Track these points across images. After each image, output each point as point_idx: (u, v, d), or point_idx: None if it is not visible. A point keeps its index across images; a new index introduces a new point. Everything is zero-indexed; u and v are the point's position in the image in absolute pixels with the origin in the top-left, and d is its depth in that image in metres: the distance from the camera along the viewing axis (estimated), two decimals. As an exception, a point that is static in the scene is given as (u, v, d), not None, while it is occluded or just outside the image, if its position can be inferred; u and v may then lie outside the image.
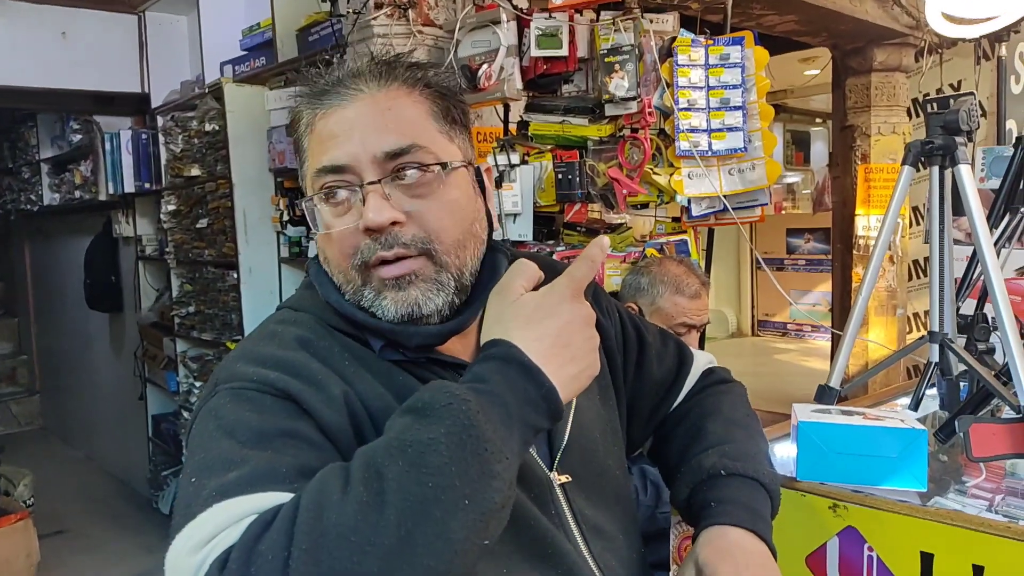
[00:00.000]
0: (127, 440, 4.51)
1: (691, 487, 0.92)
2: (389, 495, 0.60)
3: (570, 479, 0.86)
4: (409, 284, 0.80)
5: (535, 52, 2.17)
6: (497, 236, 0.93)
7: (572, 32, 2.18)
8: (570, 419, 0.89)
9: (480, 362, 0.71)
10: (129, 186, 3.86)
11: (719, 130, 2.15)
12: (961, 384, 1.46)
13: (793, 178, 8.41)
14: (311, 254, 2.82)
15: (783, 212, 8.19)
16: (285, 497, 0.63)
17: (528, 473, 0.82)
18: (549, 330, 0.72)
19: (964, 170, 1.25)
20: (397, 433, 0.65)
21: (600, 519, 0.88)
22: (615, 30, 2.16)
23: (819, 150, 8.64)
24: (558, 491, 0.85)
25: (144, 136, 3.80)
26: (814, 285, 7.55)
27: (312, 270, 0.89)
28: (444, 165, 0.81)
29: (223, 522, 0.62)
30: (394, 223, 0.78)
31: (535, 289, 0.78)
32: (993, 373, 1.26)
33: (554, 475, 0.86)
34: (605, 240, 0.80)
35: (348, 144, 0.80)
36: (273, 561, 0.58)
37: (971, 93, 1.31)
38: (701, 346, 2.07)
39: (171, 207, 3.56)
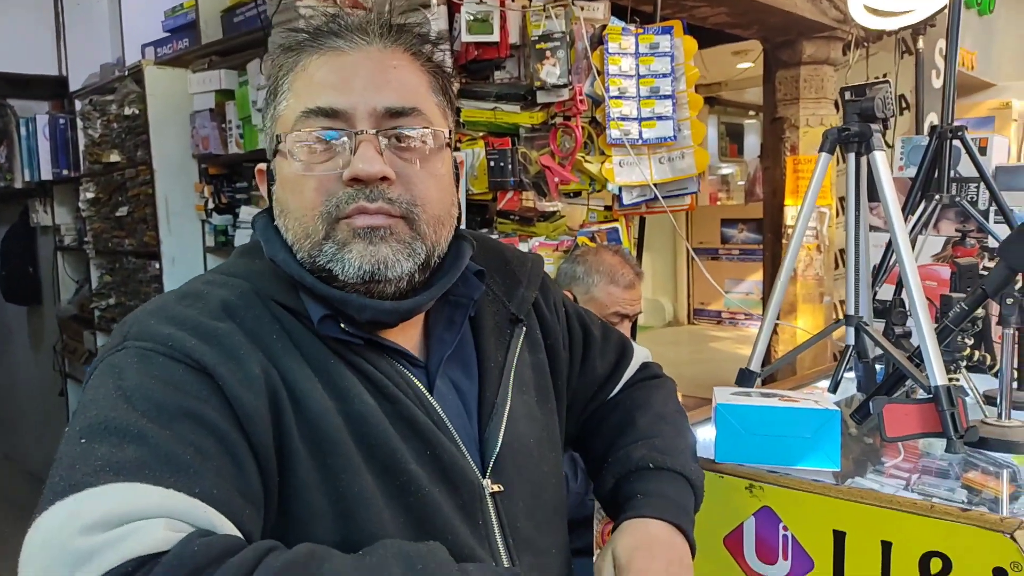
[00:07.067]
0: (48, 438, 4.32)
1: (617, 478, 0.91)
2: None
3: (502, 489, 0.81)
4: (382, 239, 0.75)
5: (466, 37, 2.15)
6: None
7: (504, 18, 2.17)
8: (503, 424, 0.83)
9: None
10: (46, 173, 3.70)
11: (649, 119, 2.16)
12: (878, 367, 1.50)
13: (727, 170, 8.58)
14: (238, 243, 2.74)
15: (718, 203, 8.35)
16: (194, 503, 0.59)
17: (459, 476, 0.77)
18: None
19: (879, 157, 1.28)
20: None
21: (534, 533, 0.83)
22: (546, 16, 2.15)
23: (752, 142, 8.84)
24: (488, 501, 0.80)
25: (62, 121, 3.64)
26: (747, 274, 7.71)
27: (259, 225, 0.83)
28: (440, 135, 0.80)
29: (128, 512, 0.56)
30: (383, 179, 0.75)
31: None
32: (907, 355, 1.29)
33: (487, 483, 0.80)
34: None
35: (347, 91, 0.76)
36: None
37: (886, 81, 1.33)
38: (633, 336, 2.08)
39: (90, 195, 3.41)
